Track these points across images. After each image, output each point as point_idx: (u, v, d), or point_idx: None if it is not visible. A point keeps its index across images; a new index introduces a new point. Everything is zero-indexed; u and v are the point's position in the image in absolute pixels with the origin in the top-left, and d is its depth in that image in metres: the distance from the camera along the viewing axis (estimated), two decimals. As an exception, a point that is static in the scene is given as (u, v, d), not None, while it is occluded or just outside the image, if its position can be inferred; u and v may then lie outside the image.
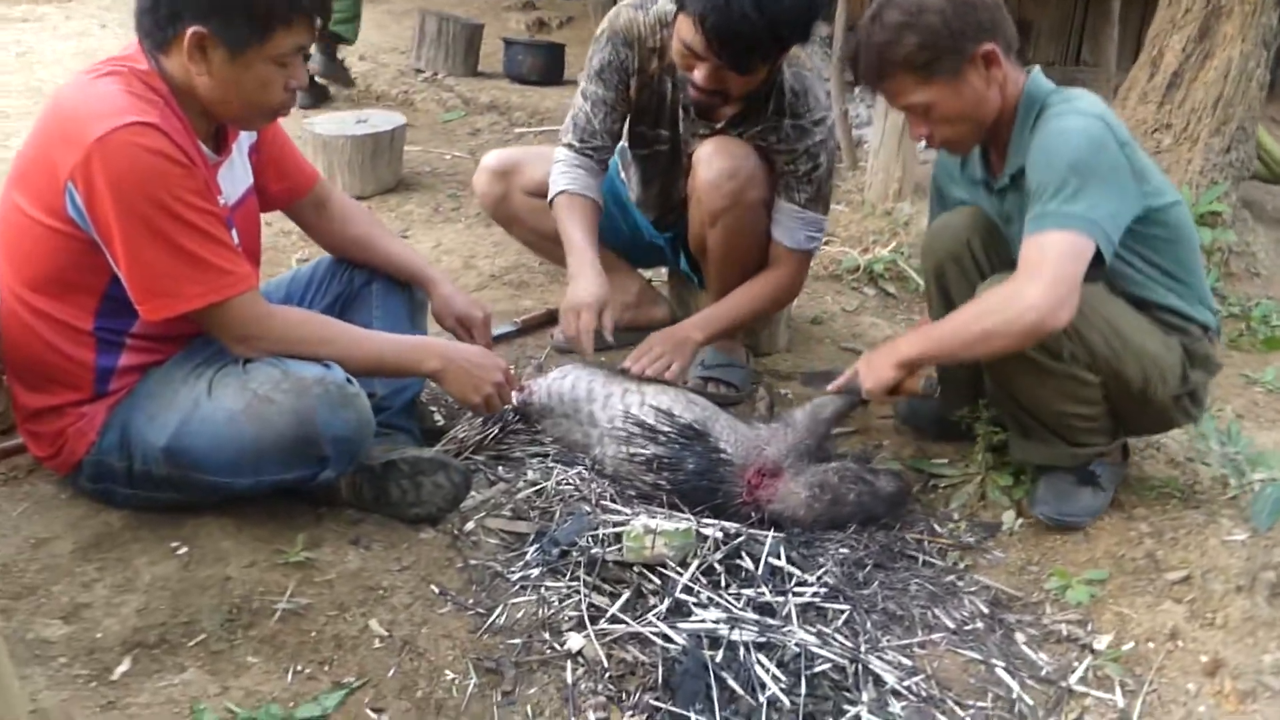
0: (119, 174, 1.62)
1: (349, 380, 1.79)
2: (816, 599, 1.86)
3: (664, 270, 3.12)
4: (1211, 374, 2.14)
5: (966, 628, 1.88)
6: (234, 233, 1.86)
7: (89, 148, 1.62)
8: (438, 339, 2.13)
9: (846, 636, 1.79)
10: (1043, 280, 1.81)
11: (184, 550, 1.82)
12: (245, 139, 1.97)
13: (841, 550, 2.02)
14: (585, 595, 1.83)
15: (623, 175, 2.78)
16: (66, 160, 1.64)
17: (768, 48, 2.13)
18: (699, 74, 2.20)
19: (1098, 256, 1.85)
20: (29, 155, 1.74)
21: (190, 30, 1.66)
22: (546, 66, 5.64)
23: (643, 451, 2.12)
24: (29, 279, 1.77)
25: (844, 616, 1.84)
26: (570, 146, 2.50)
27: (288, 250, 3.34)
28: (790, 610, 1.81)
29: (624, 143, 2.68)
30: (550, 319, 2.94)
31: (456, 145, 4.68)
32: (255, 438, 1.72)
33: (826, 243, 3.76)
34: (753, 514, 2.09)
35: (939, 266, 2.21)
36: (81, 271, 1.75)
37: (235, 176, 1.93)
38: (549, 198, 2.50)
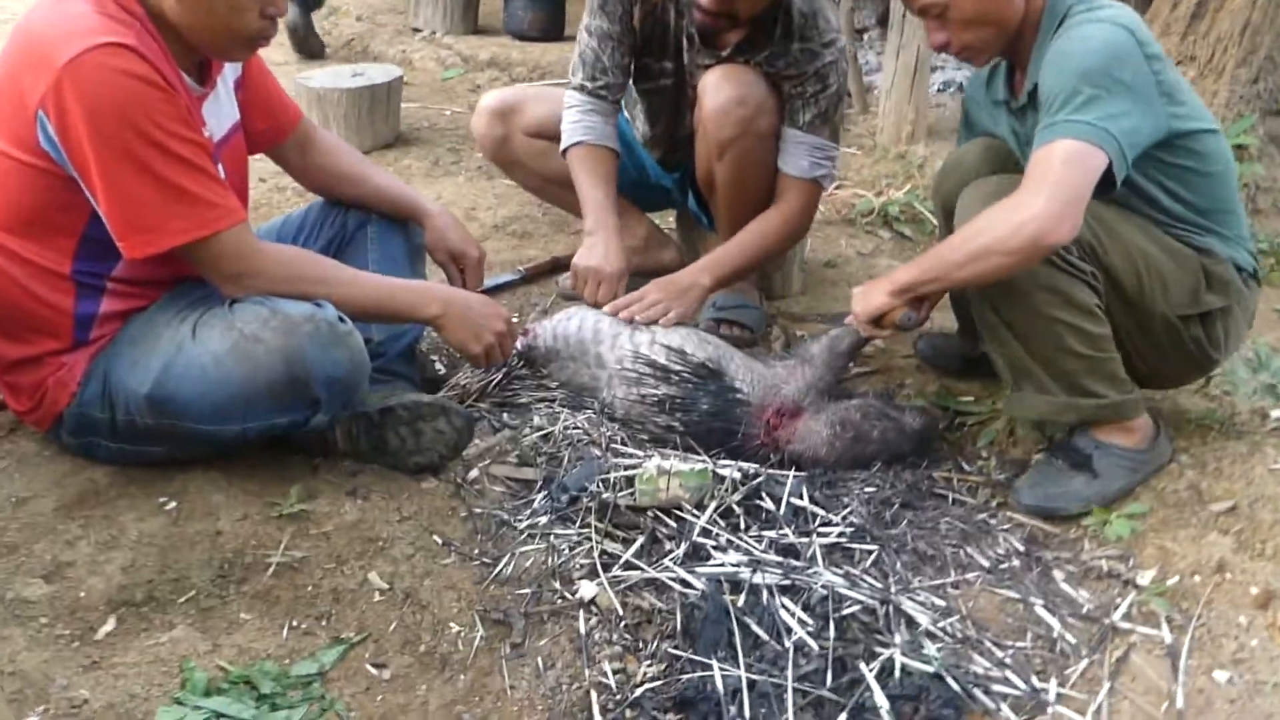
0: (93, 99, 1.51)
1: (341, 319, 1.68)
2: (842, 540, 1.75)
3: (672, 216, 3.00)
4: (1238, 308, 1.91)
5: (1001, 566, 1.78)
6: (220, 168, 1.75)
7: (59, 72, 1.50)
8: (439, 284, 2.03)
9: (876, 578, 1.69)
10: (1044, 191, 1.66)
11: (172, 505, 1.73)
12: (230, 74, 1.85)
13: (867, 489, 1.92)
14: (597, 542, 1.73)
15: (627, 114, 2.66)
16: (36, 87, 1.53)
17: None
18: None
19: (1109, 177, 1.70)
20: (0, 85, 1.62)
21: None
22: (548, 21, 5.47)
23: (654, 392, 2.01)
24: (1, 220, 1.66)
25: (872, 557, 1.74)
26: (581, 88, 2.39)
27: (282, 206, 3.22)
28: (815, 551, 1.71)
29: (632, 84, 2.56)
30: (555, 267, 2.83)
31: (456, 102, 4.54)
32: (242, 380, 1.62)
33: (839, 186, 3.63)
34: (771, 455, 1.98)
35: (948, 205, 2.08)
36: (58, 210, 1.64)
37: (221, 111, 1.81)
38: (563, 148, 2.39)
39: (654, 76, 2.44)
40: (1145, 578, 1.75)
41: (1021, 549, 1.83)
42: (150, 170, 1.56)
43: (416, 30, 5.52)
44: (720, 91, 2.25)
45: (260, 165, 3.40)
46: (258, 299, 1.67)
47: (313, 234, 2.10)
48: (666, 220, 3.05)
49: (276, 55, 4.86)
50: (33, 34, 1.57)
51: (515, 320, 1.98)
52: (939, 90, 4.72)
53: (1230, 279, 1.88)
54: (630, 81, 2.51)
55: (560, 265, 2.85)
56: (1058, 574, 1.78)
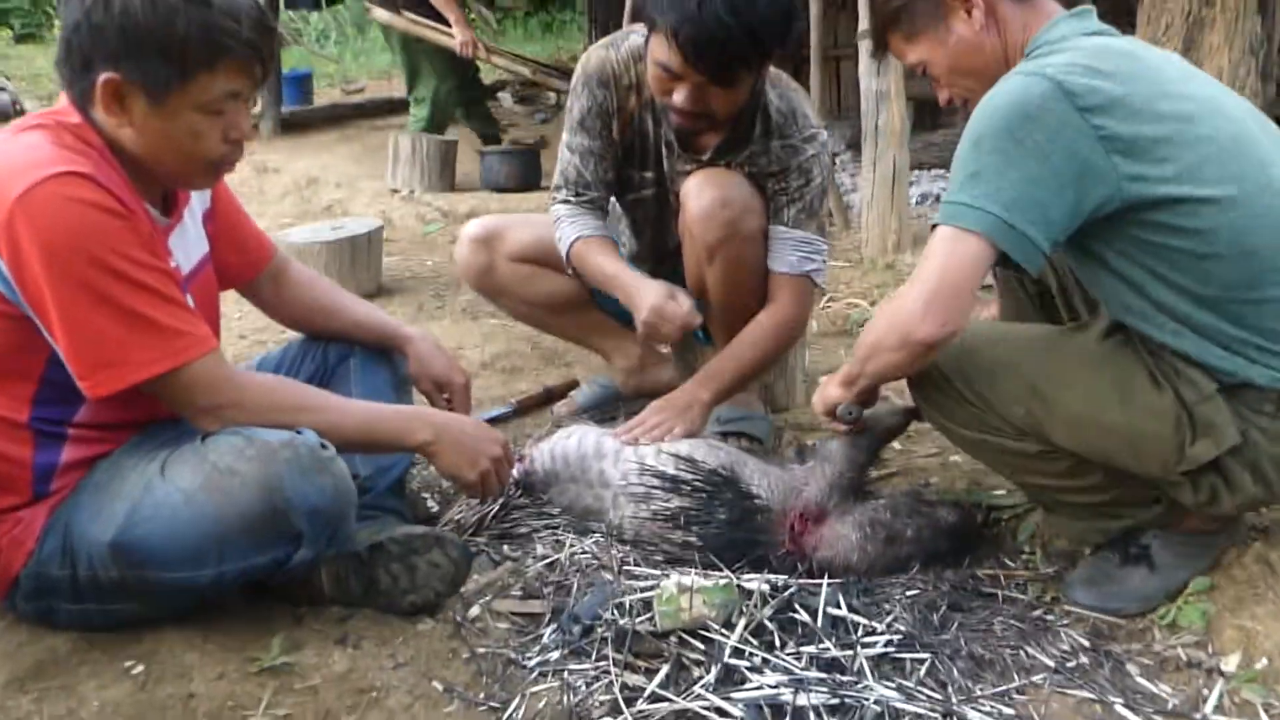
0: (47, 230, 1.41)
1: (323, 444, 1.54)
2: (890, 649, 1.57)
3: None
4: (1261, 436, 1.55)
5: (1069, 664, 1.60)
6: (189, 299, 1.65)
7: (10, 207, 1.41)
8: (429, 409, 1.90)
9: (933, 688, 1.50)
10: (915, 286, 1.53)
11: (140, 670, 1.55)
12: (198, 206, 1.77)
13: (909, 593, 1.74)
14: (617, 675, 1.54)
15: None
16: None
17: (747, 55, 1.98)
18: (679, 96, 2.04)
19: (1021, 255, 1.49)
20: None
21: (103, 78, 1.46)
22: (523, 172, 5.56)
23: (666, 506, 1.86)
24: None
25: (925, 666, 1.55)
26: (566, 201, 2.35)
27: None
28: (862, 664, 1.53)
29: (614, 200, 2.52)
30: (548, 398, 2.72)
31: (437, 253, 4.53)
32: (216, 517, 1.47)
33: (831, 298, 3.57)
34: (799, 564, 1.81)
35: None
36: (14, 354, 1.52)
37: (188, 244, 1.72)
38: (563, 252, 2.32)
39: (636, 187, 2.39)
40: (1230, 663, 1.57)
41: (1087, 644, 1.65)
42: (110, 300, 1.45)
43: (395, 191, 5.58)
44: (703, 194, 2.19)
45: (239, 323, 3.36)
46: (233, 430, 1.54)
47: (292, 370, 1.98)
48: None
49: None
50: None
51: (510, 445, 1.83)
52: (918, 202, 4.74)
53: (1215, 420, 1.53)
54: (616, 197, 2.46)
55: (554, 395, 2.74)
56: (1132, 668, 1.59)
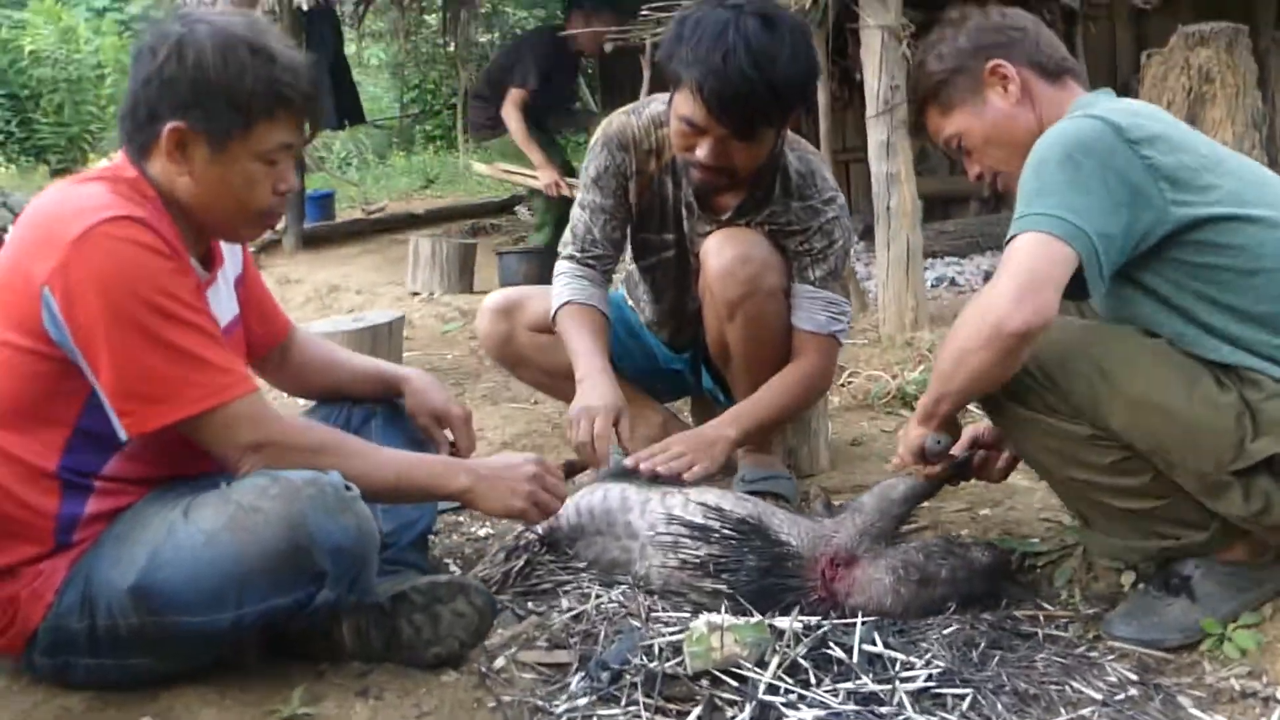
0: (101, 270, 1.46)
1: (348, 486, 1.53)
2: (931, 684, 1.52)
3: (687, 408, 2.90)
4: None
5: (1118, 697, 1.53)
6: None
7: (68, 247, 1.46)
8: (462, 459, 1.88)
9: (976, 722, 1.44)
10: (1002, 281, 1.55)
11: (157, 725, 1.50)
12: (231, 270, 1.81)
13: (945, 631, 1.69)
14: (648, 719, 1.49)
15: (630, 302, 2.62)
16: (42, 266, 1.47)
17: (769, 110, 2.02)
18: (702, 150, 2.08)
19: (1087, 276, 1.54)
20: (2, 267, 1.55)
21: (169, 126, 1.54)
22: (541, 273, 5.58)
23: (694, 554, 1.82)
24: None
25: (967, 700, 1.49)
26: (571, 258, 2.37)
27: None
28: (902, 698, 1.47)
29: (630, 265, 2.55)
30: (570, 471, 2.66)
31: (456, 349, 4.57)
32: (238, 556, 1.45)
33: (852, 375, 3.56)
34: (832, 612, 1.76)
35: None
36: (53, 400, 1.53)
37: (221, 303, 1.75)
38: (552, 311, 2.34)
39: (655, 250, 2.42)
40: (1287, 693, 1.50)
41: (1135, 677, 1.59)
42: (160, 339, 1.48)
43: (415, 294, 5.66)
44: (723, 252, 2.21)
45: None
46: (259, 472, 1.53)
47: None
48: (682, 412, 2.94)
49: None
50: (41, 216, 1.54)
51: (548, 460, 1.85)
52: (933, 285, 4.77)
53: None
54: (633, 262, 2.49)
55: (575, 469, 2.69)
56: (1184, 700, 1.53)
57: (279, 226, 7.77)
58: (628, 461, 2.05)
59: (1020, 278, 1.53)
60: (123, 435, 1.51)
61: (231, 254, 1.81)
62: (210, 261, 1.72)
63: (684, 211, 2.35)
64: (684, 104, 2.05)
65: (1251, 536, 1.65)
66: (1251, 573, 1.68)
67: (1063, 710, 1.50)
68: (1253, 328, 1.58)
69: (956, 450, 1.99)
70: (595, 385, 2.15)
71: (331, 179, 11.26)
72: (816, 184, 2.27)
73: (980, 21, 1.84)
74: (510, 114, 5.81)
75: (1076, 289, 1.56)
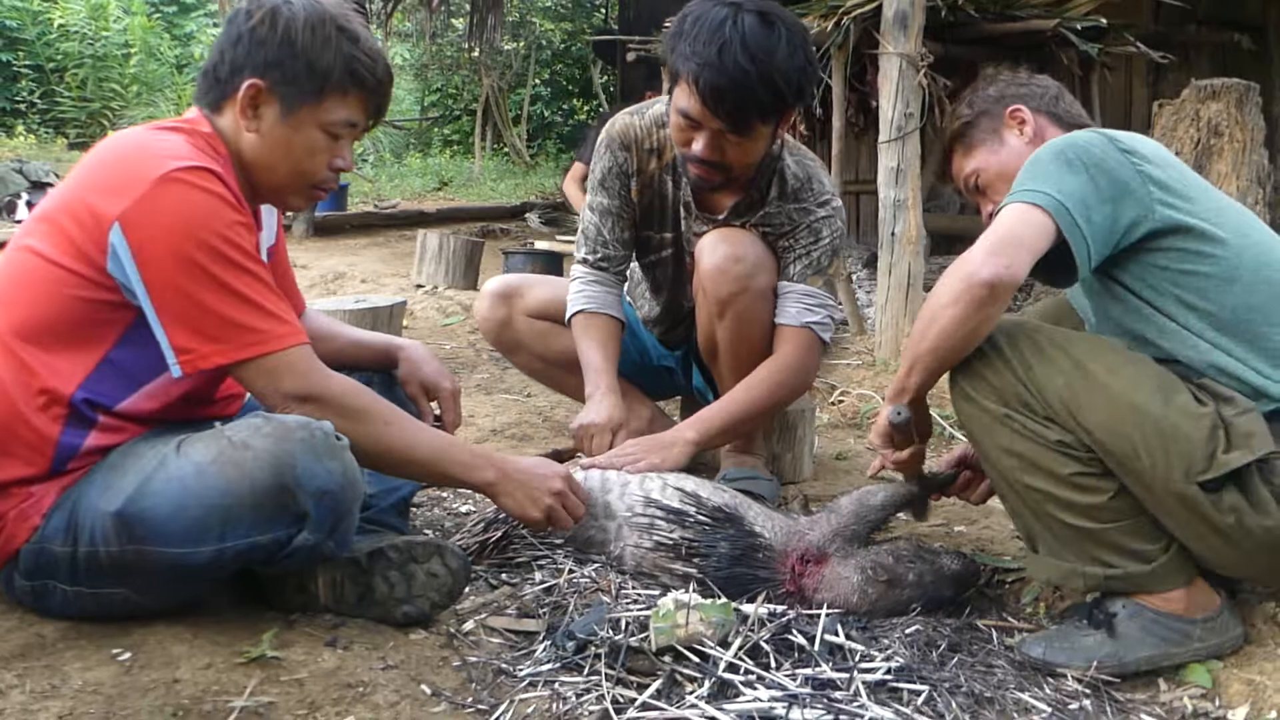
0: (176, 213, 1.51)
1: (337, 435, 1.56)
2: (889, 677, 1.54)
3: (677, 410, 2.93)
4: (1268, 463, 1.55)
5: (1071, 706, 1.56)
6: None
7: (146, 187, 1.51)
8: (495, 452, 1.90)
9: (931, 718, 1.47)
10: (978, 243, 1.62)
11: (126, 656, 1.52)
12: (265, 237, 1.86)
13: (908, 630, 1.71)
14: (609, 689, 1.51)
15: (629, 296, 2.66)
16: (115, 203, 1.51)
17: (764, 104, 2.06)
18: (699, 144, 2.12)
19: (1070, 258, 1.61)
20: (59, 203, 1.59)
21: (248, 82, 1.63)
22: (546, 270, 5.67)
23: (668, 538, 1.85)
24: (24, 320, 1.57)
25: (923, 697, 1.51)
26: (585, 262, 2.44)
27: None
28: (859, 687, 1.49)
29: (634, 263, 2.59)
30: (555, 460, 2.71)
31: (456, 340, 4.61)
32: (224, 489, 1.48)
33: (843, 395, 3.60)
34: (798, 605, 1.79)
35: None
36: (92, 326, 1.57)
37: None
38: (567, 317, 2.40)
39: (654, 248, 2.46)
40: (1239, 715, 1.53)
41: (1089, 692, 1.61)
42: (225, 284, 1.53)
43: (420, 286, 5.71)
44: (716, 250, 2.25)
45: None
46: (255, 412, 1.57)
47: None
48: (671, 410, 2.97)
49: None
50: (118, 156, 1.59)
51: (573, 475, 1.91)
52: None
53: (1254, 430, 1.56)
54: (634, 258, 2.53)
55: (560, 457, 2.72)
56: (1138, 717, 1.55)
57: (289, 212, 7.85)
58: (584, 462, 2.09)
59: (993, 236, 1.61)
60: (176, 372, 1.54)
61: (269, 224, 1.86)
62: (256, 225, 1.77)
63: (682, 211, 2.39)
64: (682, 97, 2.10)
65: (1196, 588, 1.65)
66: (1182, 624, 1.64)
67: (1016, 716, 1.52)
68: (1226, 336, 1.64)
69: (944, 466, 2.03)
70: (600, 400, 2.24)
71: (347, 173, 11.34)
72: (813, 188, 2.31)
73: (1009, 77, 2.01)
74: (569, 187, 6.02)
75: (1065, 273, 1.63)
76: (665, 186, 2.39)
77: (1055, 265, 1.64)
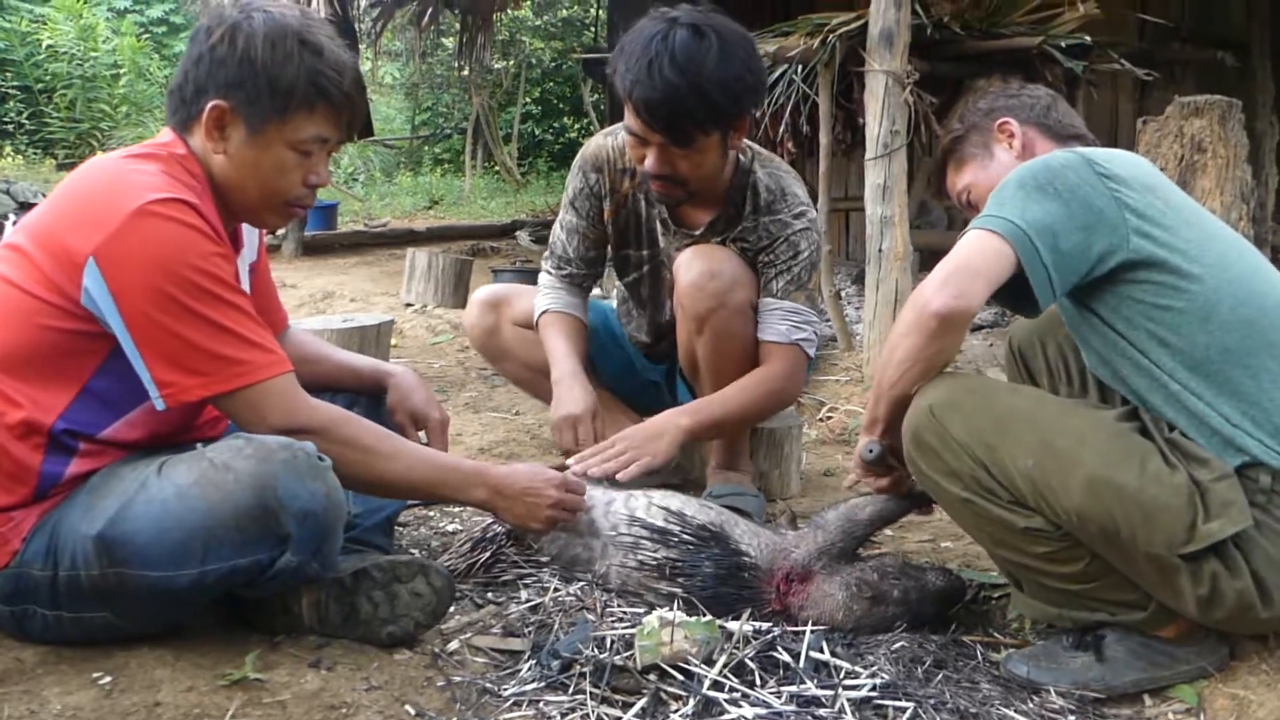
0: (152, 246, 1.49)
1: (320, 456, 1.56)
2: (874, 694, 1.54)
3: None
4: (1273, 521, 1.51)
5: (1057, 723, 1.55)
6: None
7: (122, 221, 1.49)
8: (489, 466, 1.87)
9: (915, 734, 1.46)
10: (937, 270, 1.60)
11: (107, 680, 1.52)
12: (247, 254, 1.85)
13: (893, 646, 1.71)
14: (594, 708, 1.51)
15: (618, 311, 2.70)
16: (89, 238, 1.50)
17: (699, 114, 2.08)
18: (649, 160, 2.16)
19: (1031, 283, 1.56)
20: (33, 233, 1.57)
21: (211, 104, 1.60)
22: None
23: (653, 557, 1.84)
24: (3, 349, 1.55)
25: (908, 714, 1.51)
26: (549, 273, 2.51)
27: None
28: (843, 705, 1.49)
29: (618, 283, 2.61)
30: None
31: (444, 359, 4.60)
32: (206, 511, 1.47)
33: (831, 411, 3.60)
34: (784, 622, 1.78)
35: (1020, 347, 2.01)
36: (69, 356, 1.56)
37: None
38: (534, 318, 2.46)
39: (634, 266, 2.49)
40: (1223, 730, 1.53)
41: (1074, 707, 1.60)
42: (203, 316, 1.52)
43: (409, 305, 5.70)
44: (692, 267, 2.27)
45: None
46: (237, 435, 1.56)
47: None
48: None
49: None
50: (91, 188, 1.57)
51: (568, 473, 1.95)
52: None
53: (1233, 499, 1.50)
54: (618, 278, 2.56)
55: (550, 474, 2.75)
56: (1122, 731, 1.55)
57: (279, 232, 7.84)
58: (573, 465, 2.09)
59: (948, 266, 1.59)
60: (159, 405, 1.53)
61: (250, 240, 1.85)
62: (234, 245, 1.76)
63: (659, 228, 2.42)
64: (626, 115, 2.15)
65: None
66: (1169, 648, 1.63)
67: (1002, 730, 1.52)
68: (1197, 378, 1.57)
69: None
70: (570, 389, 2.25)
71: (337, 192, 11.34)
72: (787, 200, 2.33)
73: (1000, 89, 1.98)
74: None
75: (1027, 302, 1.60)
76: (639, 205, 2.43)
77: (1021, 293, 1.59)
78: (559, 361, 2.32)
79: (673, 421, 2.19)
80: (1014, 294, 1.61)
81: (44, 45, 11.91)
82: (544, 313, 2.45)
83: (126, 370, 1.55)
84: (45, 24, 11.93)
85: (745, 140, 2.32)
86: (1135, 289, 1.60)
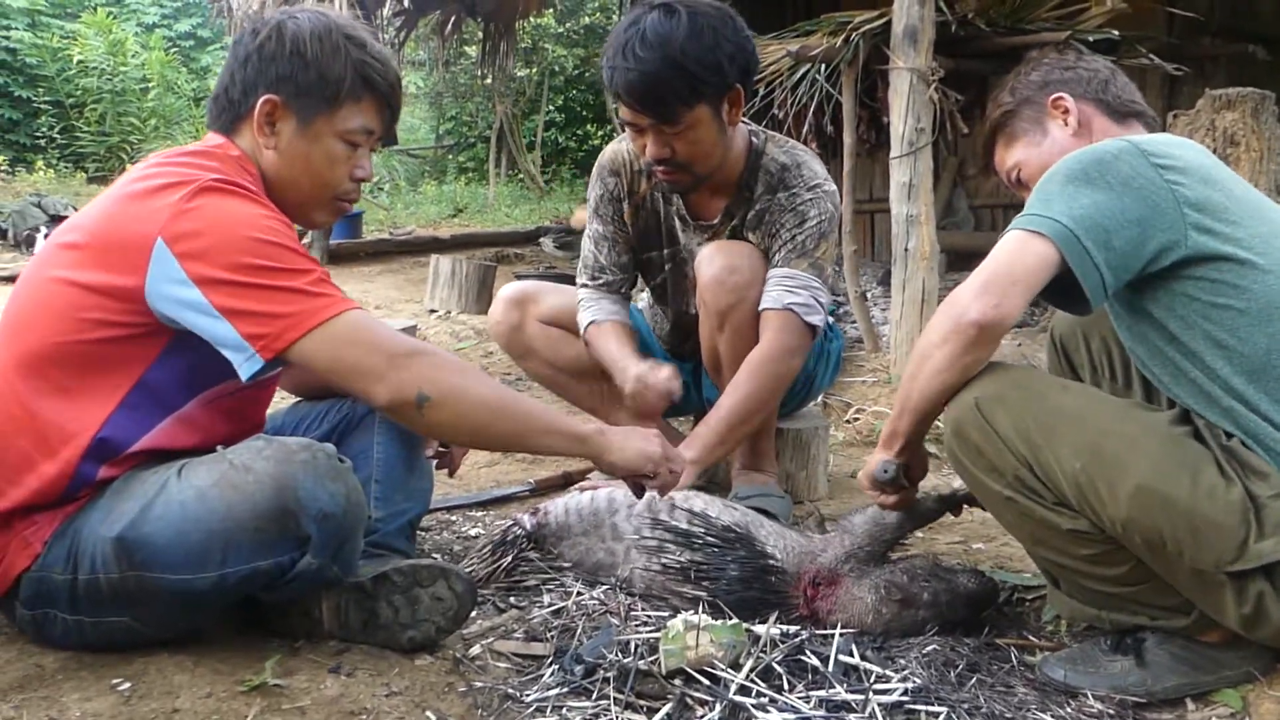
0: (222, 214, 1.50)
1: (340, 458, 1.54)
2: (905, 699, 1.49)
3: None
4: None
5: (1096, 727, 1.51)
6: None
7: (182, 200, 1.49)
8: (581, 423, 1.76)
9: (948, 740, 1.42)
10: (975, 275, 1.52)
11: (126, 686, 1.50)
12: None
13: (925, 650, 1.67)
14: (618, 714, 1.48)
15: (646, 316, 2.69)
16: (154, 221, 1.48)
17: (678, 88, 2.07)
18: (648, 148, 2.16)
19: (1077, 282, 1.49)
20: (88, 229, 1.56)
21: (263, 98, 1.62)
22: (558, 299, 5.66)
23: (677, 560, 1.81)
24: (51, 346, 1.52)
25: (940, 718, 1.47)
26: (585, 285, 2.48)
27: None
28: (874, 710, 1.45)
29: (645, 287, 2.60)
30: (566, 482, 2.70)
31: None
32: (225, 513, 1.45)
33: (858, 413, 3.55)
34: (811, 626, 1.75)
35: (1061, 340, 1.95)
36: (117, 360, 1.53)
37: None
38: (581, 333, 2.43)
39: (657, 268, 2.48)
40: (1270, 735, 1.47)
41: (1114, 712, 1.56)
42: (281, 268, 1.49)
43: (433, 311, 5.70)
44: (713, 263, 2.26)
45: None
46: (256, 436, 1.54)
47: (315, 424, 1.99)
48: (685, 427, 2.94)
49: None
50: (150, 180, 1.55)
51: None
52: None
53: None
54: (645, 282, 2.56)
55: (571, 479, 2.72)
56: (1164, 736, 1.50)
57: (304, 240, 7.89)
58: (585, 485, 2.10)
59: (985, 272, 1.51)
60: (253, 366, 1.47)
61: None
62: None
63: (677, 224, 2.40)
64: (619, 107, 2.14)
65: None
66: (1213, 652, 1.58)
67: (1038, 736, 1.48)
68: (1253, 385, 1.50)
69: (959, 485, 1.97)
70: (633, 365, 2.24)
71: (361, 201, 11.40)
72: (802, 174, 2.30)
73: (1054, 60, 1.85)
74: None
75: (1077, 300, 1.52)
76: (657, 204, 2.42)
77: (1070, 291, 1.52)
78: (614, 362, 2.30)
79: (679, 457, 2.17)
80: (1062, 292, 1.53)
81: (75, 61, 12.06)
82: (590, 324, 2.41)
83: (175, 371, 1.54)
84: (76, 40, 12.09)
85: (762, 127, 2.30)
86: (1192, 286, 1.52)
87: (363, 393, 1.53)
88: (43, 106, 12.26)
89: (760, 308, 2.25)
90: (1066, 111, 1.77)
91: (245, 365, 1.49)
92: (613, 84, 2.09)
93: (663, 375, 2.18)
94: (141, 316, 1.52)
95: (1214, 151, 3.93)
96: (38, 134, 12.26)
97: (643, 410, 2.25)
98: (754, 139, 2.31)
